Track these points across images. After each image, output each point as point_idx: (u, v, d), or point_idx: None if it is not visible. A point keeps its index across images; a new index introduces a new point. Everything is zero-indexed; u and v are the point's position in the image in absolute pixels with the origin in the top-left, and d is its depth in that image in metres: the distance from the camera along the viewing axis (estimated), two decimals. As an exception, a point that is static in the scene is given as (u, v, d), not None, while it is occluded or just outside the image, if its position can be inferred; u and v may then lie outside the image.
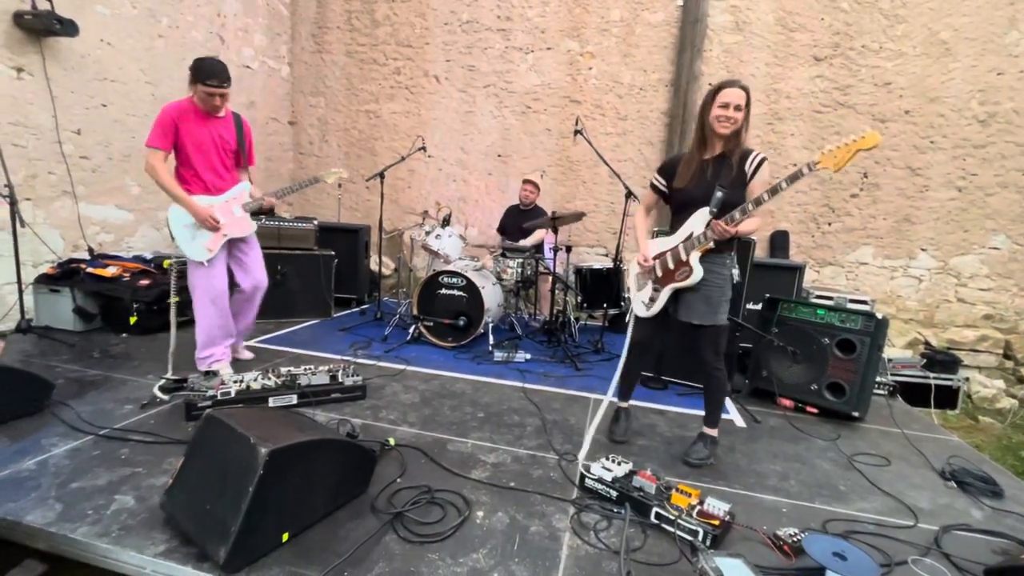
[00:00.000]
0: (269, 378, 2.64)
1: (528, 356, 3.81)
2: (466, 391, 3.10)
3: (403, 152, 5.33)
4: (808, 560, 1.60)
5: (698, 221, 2.23)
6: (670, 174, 2.36)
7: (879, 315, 2.98)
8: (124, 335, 3.68)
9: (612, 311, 4.63)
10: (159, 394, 2.61)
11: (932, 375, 4.00)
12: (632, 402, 2.69)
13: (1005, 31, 4.73)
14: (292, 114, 6.66)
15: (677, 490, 1.87)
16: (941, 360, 4.15)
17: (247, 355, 3.35)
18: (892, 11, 4.93)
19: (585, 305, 4.57)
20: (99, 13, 4.13)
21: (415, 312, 4.05)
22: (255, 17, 5.87)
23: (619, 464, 2.03)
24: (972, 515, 2.09)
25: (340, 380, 2.78)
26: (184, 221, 2.76)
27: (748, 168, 2.18)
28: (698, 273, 2.22)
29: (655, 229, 2.93)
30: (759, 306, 3.45)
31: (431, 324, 4.01)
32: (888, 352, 4.14)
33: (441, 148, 6.19)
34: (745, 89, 2.15)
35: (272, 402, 2.54)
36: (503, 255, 4.49)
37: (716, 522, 1.72)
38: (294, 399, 2.60)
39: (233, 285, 3.04)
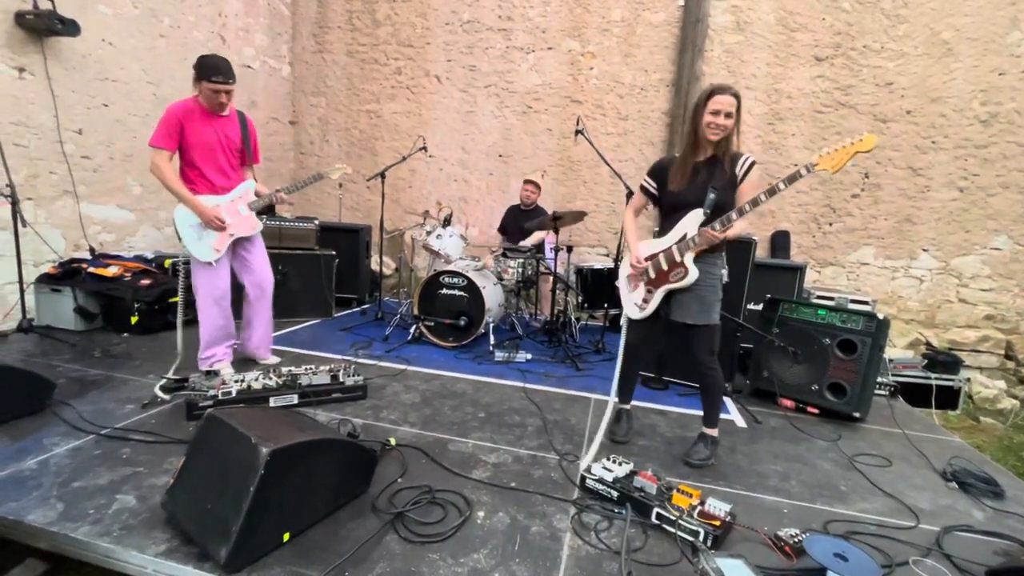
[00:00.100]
0: (270, 378, 2.64)
1: (529, 356, 3.81)
2: (467, 391, 3.10)
3: (404, 152, 5.33)
4: (809, 561, 1.60)
5: (691, 222, 2.24)
6: (660, 176, 2.38)
7: (880, 315, 2.98)
8: (125, 335, 3.68)
9: (613, 311, 4.63)
10: (160, 394, 2.61)
11: (933, 376, 3.99)
12: (633, 402, 2.69)
13: (1007, 31, 4.72)
14: (293, 114, 6.66)
15: (678, 490, 1.87)
16: (942, 361, 4.14)
17: (273, 359, 3.26)
18: (894, 11, 4.92)
19: (586, 305, 4.57)
20: (101, 13, 4.14)
21: (416, 312, 4.05)
22: (256, 17, 5.87)
23: (620, 464, 2.03)
24: (973, 516, 2.09)
25: (341, 380, 2.78)
26: (190, 221, 2.76)
27: (739, 171, 2.21)
28: (694, 274, 2.23)
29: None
30: (760, 306, 3.45)
31: (432, 324, 4.01)
32: (889, 352, 4.13)
33: (442, 148, 6.19)
34: (736, 96, 2.16)
35: (273, 402, 2.55)
36: (504, 255, 4.49)
37: (717, 523, 1.72)
38: (295, 399, 2.60)
39: (238, 287, 3.03)
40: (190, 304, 2.93)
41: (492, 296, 4.02)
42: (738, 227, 2.15)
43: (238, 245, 2.94)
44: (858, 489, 2.24)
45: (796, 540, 1.72)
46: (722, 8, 5.26)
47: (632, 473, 1.99)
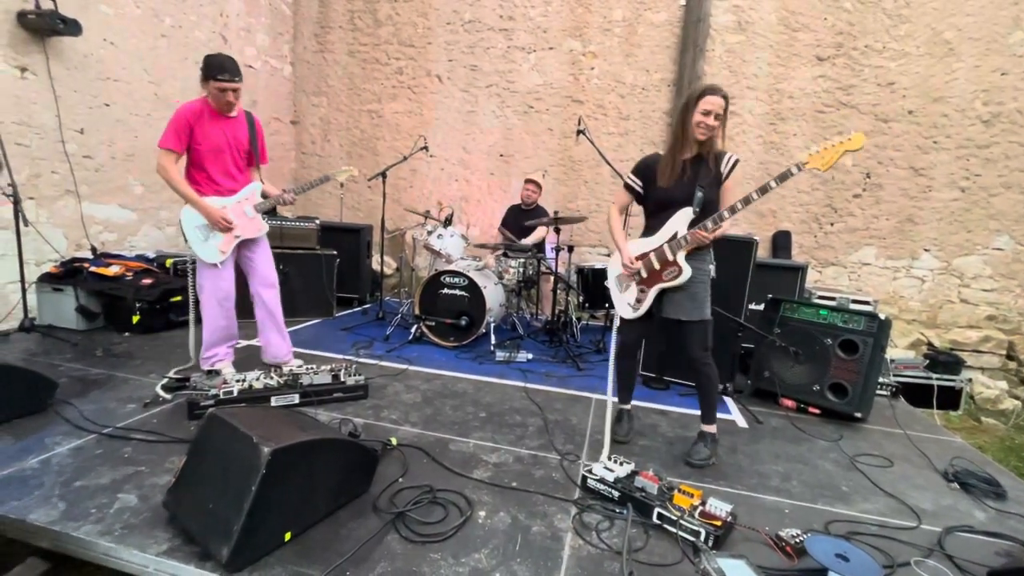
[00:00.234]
0: (271, 377, 2.64)
1: (530, 356, 3.81)
2: (468, 391, 3.10)
3: (405, 152, 5.34)
4: (810, 561, 1.60)
5: (681, 220, 2.26)
6: (646, 175, 2.38)
7: (882, 316, 2.98)
8: (127, 334, 3.69)
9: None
10: (162, 393, 2.61)
11: (935, 376, 3.99)
12: (634, 402, 2.69)
13: (1009, 31, 4.71)
14: (294, 113, 6.67)
15: (679, 490, 1.87)
16: (944, 361, 4.14)
17: (295, 362, 3.14)
18: (895, 11, 4.91)
19: (587, 305, 4.57)
20: (102, 13, 4.14)
21: (417, 312, 4.05)
22: (258, 17, 5.87)
23: (621, 464, 2.03)
24: (975, 516, 2.08)
25: (342, 380, 2.78)
26: (196, 222, 2.76)
27: (724, 168, 2.25)
28: (687, 272, 2.25)
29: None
30: (761, 306, 3.44)
31: (433, 324, 4.01)
32: (891, 353, 4.13)
33: (443, 148, 6.19)
34: (726, 98, 2.18)
35: (274, 401, 2.55)
36: (505, 255, 4.49)
37: (718, 523, 1.72)
38: (296, 398, 2.60)
39: (243, 288, 3.02)
40: (193, 303, 2.94)
41: (493, 296, 4.03)
42: (725, 225, 2.19)
43: (243, 246, 2.93)
44: (859, 489, 2.24)
45: (797, 540, 1.72)
46: (724, 8, 5.25)
47: (633, 473, 1.99)
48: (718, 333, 3.15)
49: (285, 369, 2.79)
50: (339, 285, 4.82)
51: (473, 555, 1.61)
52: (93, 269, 3.75)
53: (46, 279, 3.73)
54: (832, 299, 3.66)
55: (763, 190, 2.11)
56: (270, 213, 3.08)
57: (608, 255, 5.75)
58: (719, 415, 2.96)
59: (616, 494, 1.93)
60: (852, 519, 1.99)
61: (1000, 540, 1.91)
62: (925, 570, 1.68)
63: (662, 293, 2.35)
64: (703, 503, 1.81)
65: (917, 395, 3.85)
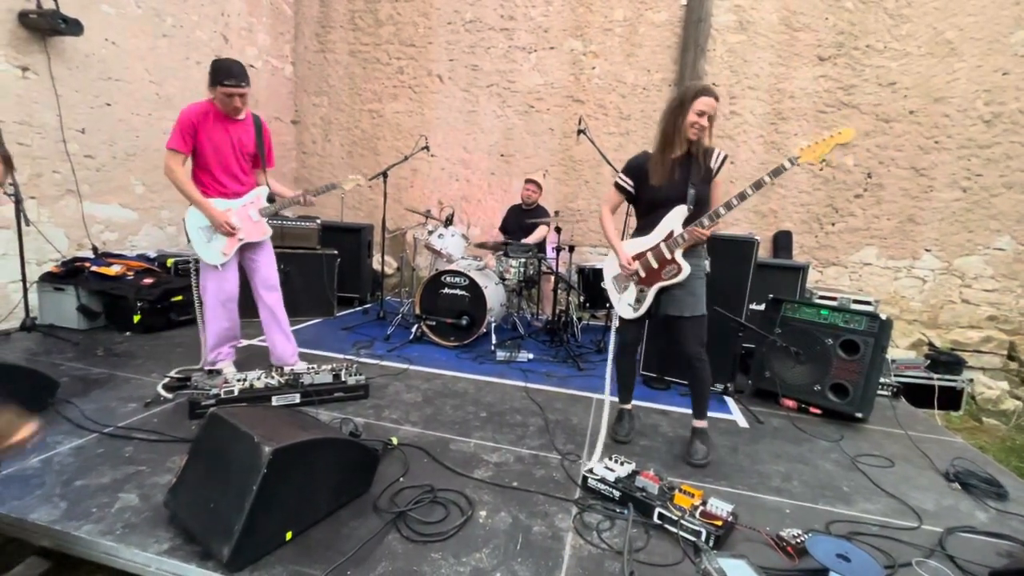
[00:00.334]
0: (272, 377, 2.65)
1: (530, 356, 3.81)
2: (468, 390, 3.10)
3: (406, 151, 5.34)
4: (811, 561, 1.60)
5: (676, 218, 2.28)
6: (637, 174, 2.38)
7: (883, 316, 2.97)
8: (128, 333, 3.69)
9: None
10: (163, 392, 2.62)
11: (936, 376, 3.98)
12: (635, 402, 2.69)
13: (1011, 31, 4.70)
14: (295, 113, 6.67)
15: (680, 490, 1.87)
16: (945, 361, 4.13)
17: (301, 364, 3.05)
18: (897, 10, 4.91)
19: (588, 305, 4.57)
20: (104, 12, 4.15)
21: (418, 311, 4.05)
22: (259, 16, 5.88)
23: (622, 464, 2.03)
24: (976, 517, 2.08)
25: (343, 379, 2.79)
26: (200, 224, 2.76)
27: (713, 164, 2.28)
28: (687, 270, 2.27)
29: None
30: (762, 306, 3.44)
31: (434, 323, 4.01)
32: (892, 353, 4.12)
33: (444, 147, 6.20)
34: (718, 98, 2.23)
35: (275, 401, 2.55)
36: (506, 255, 4.49)
37: (719, 523, 1.72)
38: (297, 398, 2.60)
39: (245, 289, 3.02)
40: (192, 304, 2.94)
41: (494, 296, 4.02)
42: (719, 221, 2.24)
43: (247, 249, 2.93)
44: (860, 490, 2.24)
45: (798, 540, 1.72)
46: (725, 8, 5.25)
47: (634, 473, 1.99)
48: (719, 333, 3.17)
49: (286, 369, 2.79)
50: (340, 285, 4.82)
51: (474, 555, 1.61)
52: (94, 269, 3.75)
53: (47, 278, 3.74)
54: (833, 299, 3.66)
55: (757, 185, 2.15)
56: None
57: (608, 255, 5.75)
58: (720, 415, 2.99)
59: (617, 494, 1.93)
60: (853, 519, 1.98)
61: (1001, 541, 1.90)
62: (926, 570, 1.68)
63: (661, 291, 2.36)
64: (704, 503, 1.81)
65: (918, 395, 3.84)
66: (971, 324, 5.07)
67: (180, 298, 3.89)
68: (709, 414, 2.80)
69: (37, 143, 3.77)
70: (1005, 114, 4.78)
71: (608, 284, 2.54)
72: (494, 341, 3.92)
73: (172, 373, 2.85)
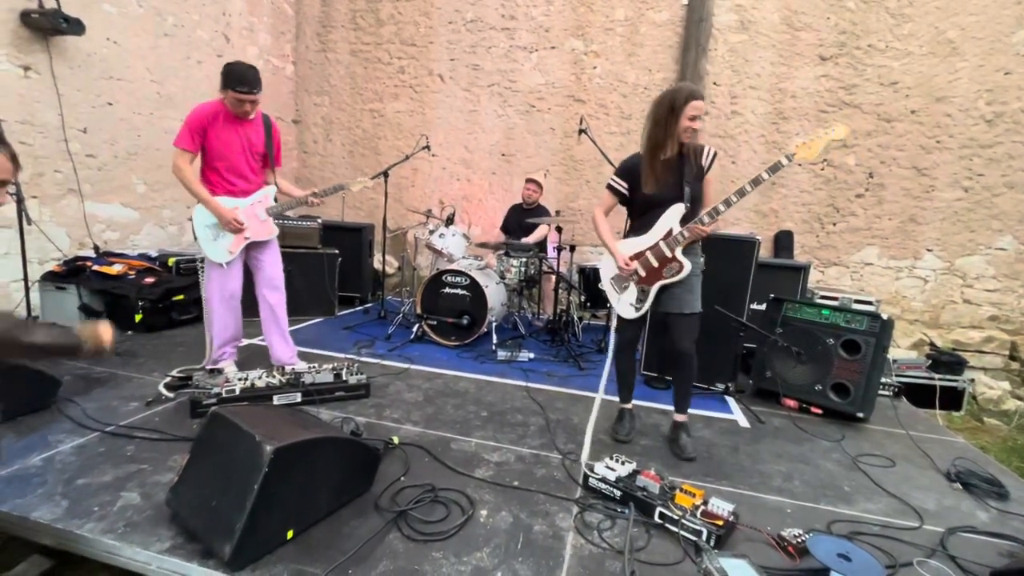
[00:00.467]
0: (274, 376, 2.65)
1: (531, 355, 3.81)
2: (469, 390, 3.10)
3: (407, 151, 5.34)
4: (812, 561, 1.60)
5: (674, 217, 2.30)
6: (631, 176, 2.40)
7: (884, 316, 2.97)
8: (129, 333, 3.69)
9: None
10: (164, 391, 2.62)
11: (937, 376, 3.98)
12: (635, 402, 2.69)
13: (1013, 30, 4.69)
14: (296, 113, 6.67)
15: (681, 490, 1.87)
16: (946, 361, 4.12)
17: (302, 365, 3.02)
18: (899, 10, 4.90)
19: (588, 304, 4.57)
20: (105, 12, 4.15)
21: (419, 311, 4.05)
22: (260, 16, 5.88)
23: (623, 464, 2.03)
24: (978, 517, 2.08)
25: (344, 378, 2.79)
26: (208, 222, 2.77)
27: (704, 162, 2.32)
28: (688, 267, 2.30)
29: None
30: (764, 306, 3.44)
31: (435, 323, 4.01)
32: (893, 353, 4.12)
33: (445, 147, 6.20)
34: (704, 99, 2.28)
35: (277, 400, 2.55)
36: (507, 254, 4.50)
37: (720, 522, 1.72)
38: (298, 397, 2.60)
39: (249, 287, 3.02)
40: (195, 302, 2.94)
41: (495, 295, 4.03)
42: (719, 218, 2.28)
43: (253, 248, 2.94)
44: (862, 489, 2.24)
45: (799, 540, 1.72)
46: (726, 7, 5.24)
47: (635, 472, 1.99)
48: (720, 332, 3.18)
49: (287, 368, 2.79)
50: (341, 284, 4.82)
51: (475, 554, 1.62)
52: (96, 268, 3.75)
53: (49, 278, 3.74)
54: (834, 299, 3.65)
55: (756, 181, 2.17)
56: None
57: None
58: (721, 415, 3.00)
59: (618, 493, 1.93)
60: (854, 519, 1.98)
61: (1003, 541, 1.90)
62: (927, 570, 1.68)
63: (660, 289, 2.37)
64: (705, 503, 1.81)
65: (919, 395, 3.84)
66: (972, 324, 5.06)
67: (181, 297, 3.89)
68: (710, 414, 2.82)
69: (39, 142, 3.78)
70: (1007, 114, 4.77)
71: (606, 285, 2.54)
72: (495, 340, 3.92)
73: (174, 372, 2.85)
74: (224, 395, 2.45)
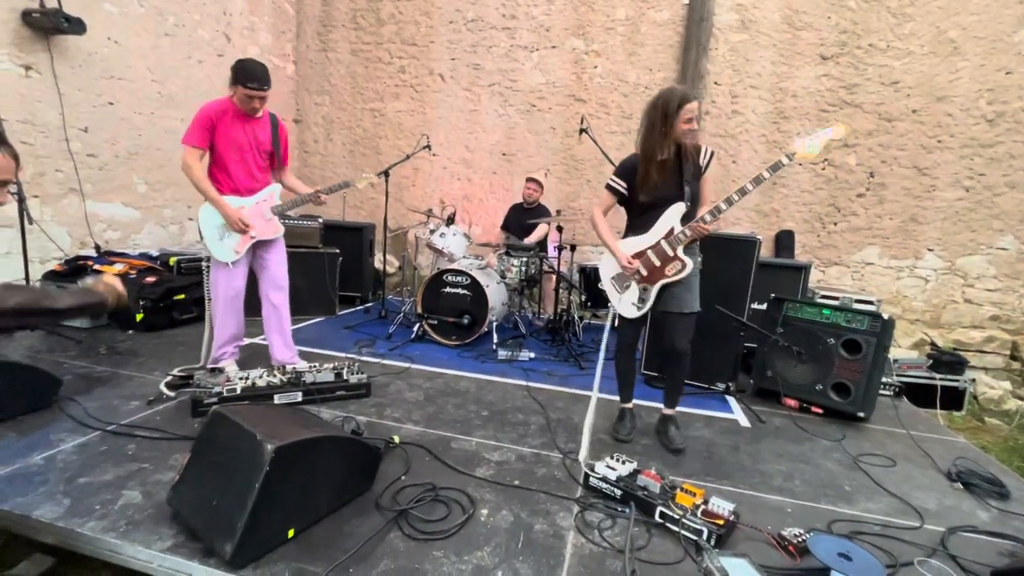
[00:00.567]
0: (274, 375, 2.65)
1: (532, 355, 3.81)
2: (470, 389, 3.10)
3: (408, 150, 5.33)
4: (813, 560, 1.60)
5: (674, 216, 2.32)
6: (630, 176, 2.40)
7: (885, 315, 2.97)
8: (130, 332, 3.70)
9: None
10: (165, 390, 2.62)
11: (938, 376, 3.97)
12: (636, 401, 2.69)
13: (1014, 30, 4.69)
14: (297, 112, 6.68)
15: (682, 489, 1.87)
16: (947, 361, 4.12)
17: (303, 364, 3.02)
18: (900, 9, 4.90)
19: (589, 304, 4.57)
20: (106, 11, 4.15)
21: (419, 310, 4.05)
22: (261, 15, 5.88)
23: (623, 463, 2.03)
24: (978, 517, 2.08)
25: (345, 378, 2.79)
26: (214, 221, 2.77)
27: (703, 161, 2.34)
28: (690, 265, 2.31)
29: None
30: (764, 306, 3.43)
31: (435, 322, 4.01)
32: (894, 353, 4.11)
33: (446, 147, 6.20)
34: (696, 100, 2.30)
35: (277, 399, 2.55)
36: (507, 254, 4.50)
37: (721, 522, 1.72)
38: (299, 396, 2.61)
39: (252, 287, 3.02)
40: (196, 301, 2.94)
41: (495, 295, 4.03)
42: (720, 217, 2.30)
43: (259, 247, 2.94)
44: (862, 489, 2.24)
45: (800, 540, 1.72)
46: (727, 7, 5.24)
47: (636, 472, 1.99)
48: (721, 332, 3.18)
49: (288, 367, 2.79)
50: (342, 284, 4.83)
51: (475, 553, 1.62)
52: (97, 267, 3.76)
53: (50, 277, 3.74)
54: (835, 299, 3.65)
55: (757, 180, 2.18)
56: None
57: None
58: (722, 415, 3.00)
59: (618, 492, 1.93)
60: (855, 519, 1.98)
61: (1003, 540, 1.90)
62: (928, 570, 1.68)
63: (661, 288, 2.38)
64: (705, 502, 1.81)
65: (920, 395, 3.83)
66: (974, 324, 5.06)
67: (182, 297, 3.90)
68: (710, 413, 2.81)
69: (40, 142, 3.78)
70: (1008, 113, 4.76)
71: (606, 285, 2.54)
72: (496, 340, 3.92)
73: (175, 371, 2.86)
74: (225, 394, 2.45)
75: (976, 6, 4.73)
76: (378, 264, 5.74)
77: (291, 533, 1.59)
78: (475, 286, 3.90)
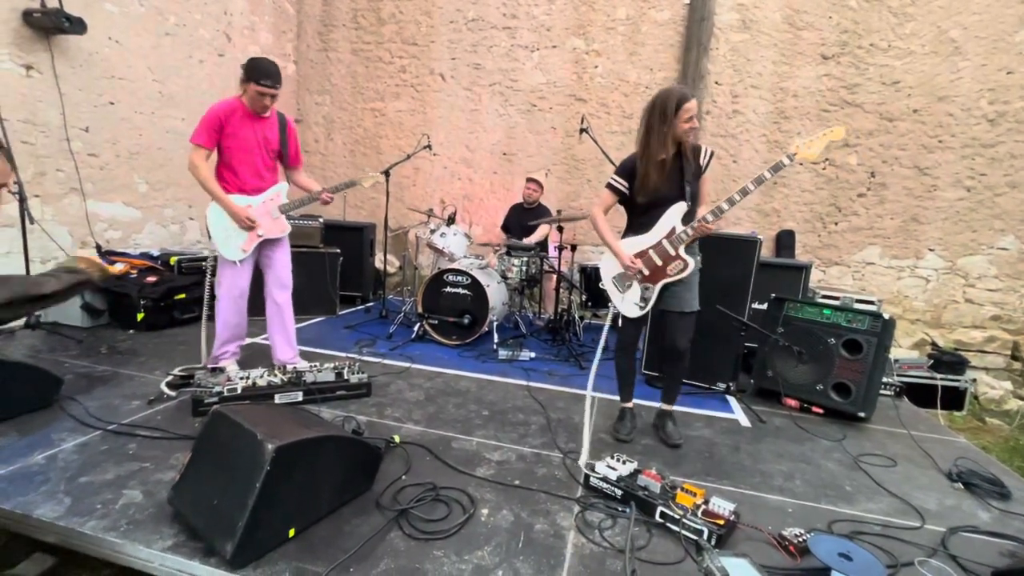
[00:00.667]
0: (275, 375, 2.65)
1: (532, 354, 3.81)
2: (471, 389, 3.10)
3: (408, 150, 5.34)
4: (813, 560, 1.60)
5: (676, 215, 2.33)
6: (631, 176, 2.40)
7: (886, 315, 2.96)
8: (131, 331, 3.70)
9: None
10: (166, 390, 2.62)
11: (939, 376, 3.97)
12: (636, 401, 2.69)
13: (1015, 30, 4.68)
14: (298, 112, 6.68)
15: (682, 489, 1.87)
16: (948, 361, 4.11)
17: (303, 363, 3.02)
18: (901, 9, 4.89)
19: (590, 304, 4.57)
20: (107, 11, 4.16)
21: (420, 310, 4.05)
22: (261, 15, 5.89)
23: (624, 463, 2.03)
24: (979, 517, 2.07)
25: (345, 377, 2.79)
26: (221, 220, 2.78)
27: (703, 161, 2.36)
28: (692, 265, 2.33)
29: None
30: (765, 306, 3.43)
31: (436, 322, 4.02)
32: (895, 353, 4.11)
33: (446, 146, 6.20)
34: (695, 99, 2.30)
35: (278, 399, 2.56)
36: (508, 253, 4.50)
37: (721, 521, 1.72)
38: (300, 396, 2.61)
39: (255, 286, 3.02)
40: (197, 301, 2.94)
41: (496, 294, 4.03)
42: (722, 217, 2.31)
43: (265, 245, 2.94)
44: (863, 489, 2.23)
45: (800, 540, 1.72)
46: (728, 6, 5.24)
47: (636, 471, 1.99)
48: (721, 332, 3.17)
49: (289, 367, 2.80)
50: (342, 283, 4.83)
51: (476, 552, 1.62)
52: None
53: (51, 276, 3.75)
54: (836, 299, 3.64)
55: (758, 181, 2.19)
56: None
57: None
58: (722, 415, 3.00)
59: (619, 492, 1.93)
60: (855, 519, 1.98)
61: (1004, 540, 1.90)
62: (929, 570, 1.68)
63: (663, 288, 2.39)
64: (706, 502, 1.81)
65: (921, 395, 3.83)
66: (975, 324, 5.05)
67: (183, 296, 3.90)
68: (711, 413, 2.81)
69: (41, 141, 3.78)
70: (1009, 113, 4.76)
71: (607, 284, 2.54)
72: (496, 340, 3.92)
73: (175, 371, 2.86)
74: (226, 394, 2.45)
75: (977, 6, 4.73)
76: (379, 264, 5.74)
77: (292, 532, 1.59)
78: (476, 286, 3.90)
